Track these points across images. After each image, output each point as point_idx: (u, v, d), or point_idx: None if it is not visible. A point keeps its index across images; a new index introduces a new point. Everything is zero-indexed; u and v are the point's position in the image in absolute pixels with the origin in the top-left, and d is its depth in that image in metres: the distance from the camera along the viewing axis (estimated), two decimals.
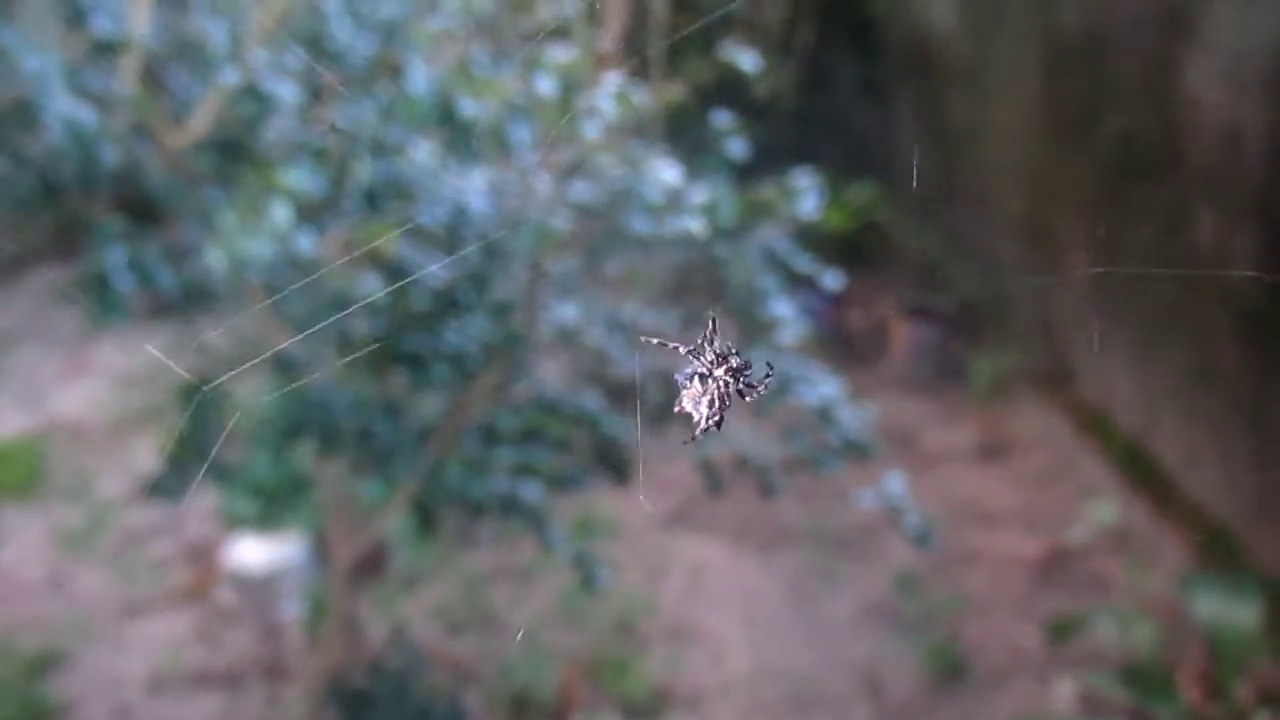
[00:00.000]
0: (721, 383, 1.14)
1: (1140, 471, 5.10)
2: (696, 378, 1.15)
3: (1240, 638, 3.71)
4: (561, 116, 2.52)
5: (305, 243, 2.12)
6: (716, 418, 1.15)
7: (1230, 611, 3.73)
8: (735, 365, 1.15)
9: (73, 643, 4.59)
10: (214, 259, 2.05)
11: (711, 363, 1.15)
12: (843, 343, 6.44)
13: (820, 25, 7.00)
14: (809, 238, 3.17)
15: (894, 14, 7.01)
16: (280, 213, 2.05)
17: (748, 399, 1.16)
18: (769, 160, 3.23)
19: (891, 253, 7.16)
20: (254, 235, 2.00)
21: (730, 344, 1.16)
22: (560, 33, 3.52)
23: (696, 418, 1.15)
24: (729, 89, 3.43)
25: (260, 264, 2.08)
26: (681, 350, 1.17)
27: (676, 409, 1.17)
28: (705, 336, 1.16)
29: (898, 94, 7.31)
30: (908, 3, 6.97)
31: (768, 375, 1.18)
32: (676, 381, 1.17)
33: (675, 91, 4.38)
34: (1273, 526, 4.38)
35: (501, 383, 3.25)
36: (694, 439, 1.17)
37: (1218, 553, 4.57)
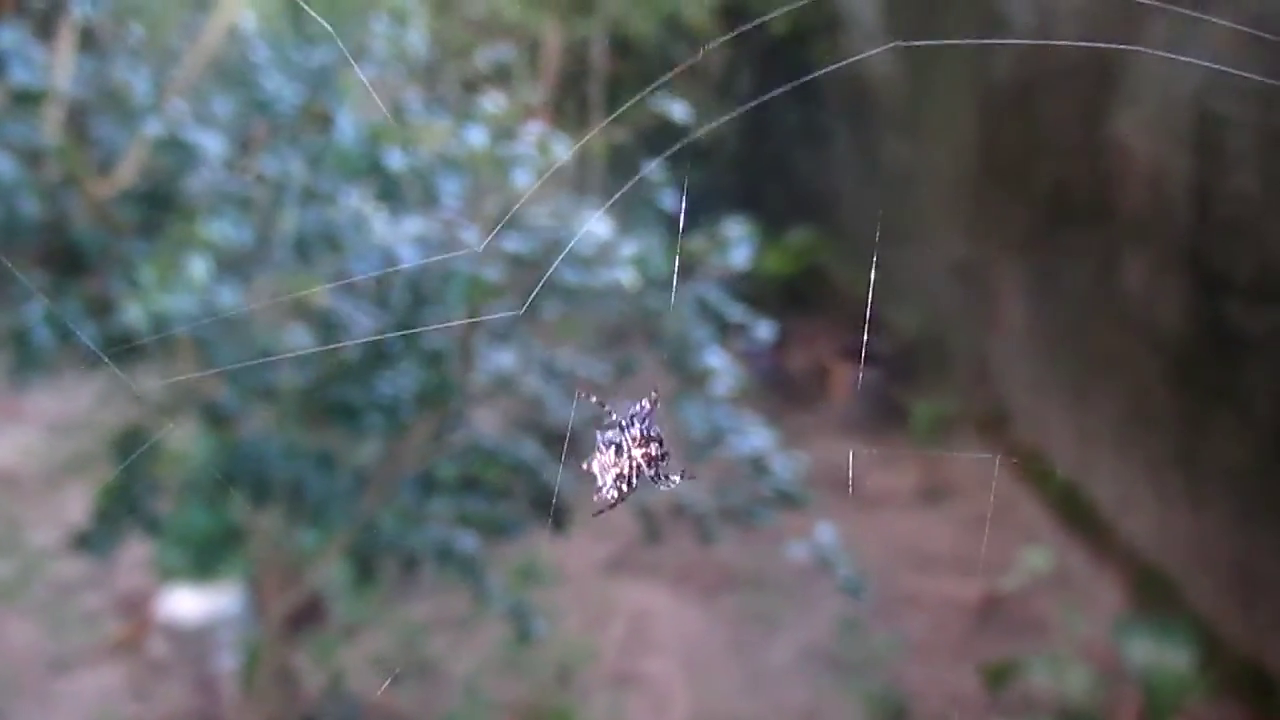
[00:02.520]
0: (635, 463, 1.13)
1: (1077, 515, 5.15)
2: (614, 447, 1.13)
3: (1174, 680, 3.74)
4: (492, 167, 2.52)
5: (227, 295, 2.09)
6: (617, 493, 1.13)
7: (1163, 654, 3.76)
8: (654, 453, 1.13)
9: (1, 699, 4.48)
10: (132, 314, 2.01)
11: (634, 440, 1.13)
12: (783, 385, 6.47)
13: (761, 71, 7.08)
14: (749, 282, 3.18)
15: (834, 61, 7.09)
16: (198, 266, 2.03)
17: (660, 486, 1.14)
18: (711, 205, 3.24)
19: (831, 295, 7.22)
20: (172, 289, 1.97)
21: (660, 431, 1.14)
22: (497, 79, 3.53)
23: (600, 484, 1.13)
24: (670, 135, 3.45)
25: (182, 318, 2.05)
26: (612, 416, 1.15)
27: (585, 467, 1.14)
28: (639, 413, 1.14)
29: (838, 139, 7.40)
30: (847, 50, 7.06)
31: (683, 476, 1.16)
32: (595, 438, 1.14)
33: (618, 136, 4.40)
34: (1205, 568, 4.43)
35: (437, 432, 3.23)
36: (597, 513, 1.15)
37: (1153, 595, 4.61)
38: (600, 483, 1.13)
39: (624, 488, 1.13)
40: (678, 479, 1.15)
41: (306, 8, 2.53)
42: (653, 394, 1.17)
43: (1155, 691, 3.74)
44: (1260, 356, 4.03)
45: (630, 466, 1.12)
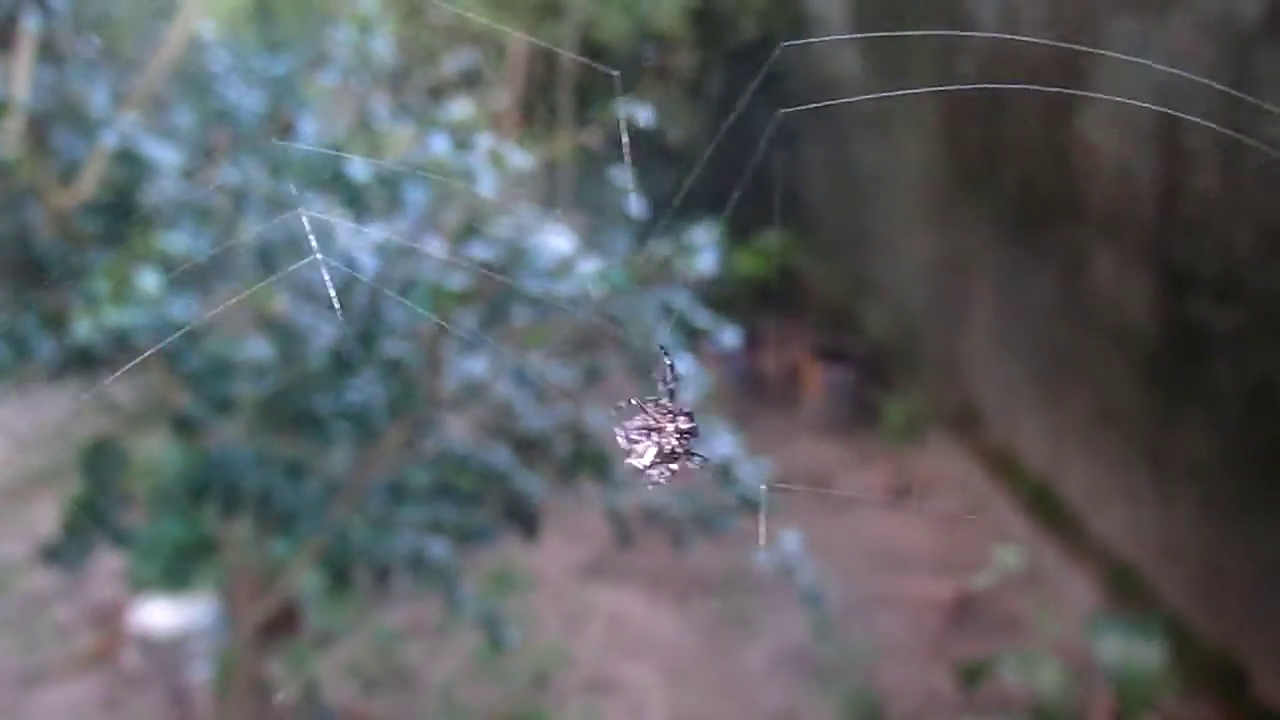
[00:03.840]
0: (669, 440, 1.09)
1: (1048, 512, 5.17)
2: (645, 432, 1.10)
3: (1146, 676, 3.75)
4: (455, 175, 2.51)
5: (181, 307, 2.08)
6: (666, 471, 1.11)
7: (1135, 650, 3.78)
8: (684, 427, 1.10)
9: None
10: (82, 329, 2.00)
11: (662, 413, 1.10)
12: (757, 387, 6.48)
13: (731, 73, 7.09)
14: (721, 286, 3.17)
15: (803, 61, 7.11)
16: (149, 279, 2.01)
17: (690, 465, 1.13)
18: (682, 206, 3.24)
19: (804, 297, 7.24)
20: (123, 303, 1.96)
21: (681, 405, 1.12)
22: (463, 86, 3.51)
23: (646, 467, 1.11)
24: (641, 137, 3.44)
25: (135, 331, 2.04)
26: (632, 402, 1.12)
27: (627, 460, 1.11)
28: (660, 374, 1.13)
29: (808, 140, 7.41)
30: (815, 51, 7.08)
31: (705, 460, 1.14)
32: (623, 433, 1.11)
33: (590, 140, 4.39)
34: (1175, 563, 4.45)
35: (408, 439, 3.21)
36: (650, 482, 1.12)
37: (1124, 592, 4.63)
38: (645, 463, 1.11)
39: (674, 466, 1.11)
40: (699, 461, 1.13)
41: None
42: (662, 351, 1.16)
43: (1127, 688, 3.75)
44: (1225, 353, 4.06)
45: (667, 444, 1.10)
